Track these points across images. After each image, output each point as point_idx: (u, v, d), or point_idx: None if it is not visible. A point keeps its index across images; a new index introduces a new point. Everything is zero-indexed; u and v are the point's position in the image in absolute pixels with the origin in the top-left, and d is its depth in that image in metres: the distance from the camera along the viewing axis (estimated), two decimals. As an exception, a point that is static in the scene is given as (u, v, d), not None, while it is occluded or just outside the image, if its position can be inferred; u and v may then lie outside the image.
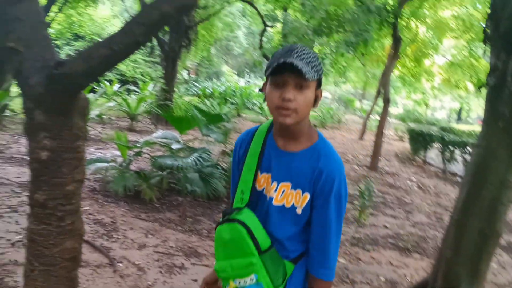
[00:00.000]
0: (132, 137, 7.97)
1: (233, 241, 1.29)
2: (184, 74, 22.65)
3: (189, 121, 5.08)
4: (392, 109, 27.56)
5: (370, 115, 15.27)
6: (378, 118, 10.24)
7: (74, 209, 1.77)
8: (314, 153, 1.30)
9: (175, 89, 12.49)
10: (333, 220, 1.29)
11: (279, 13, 12.24)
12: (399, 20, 8.33)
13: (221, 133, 5.38)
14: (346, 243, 4.33)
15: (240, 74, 30.47)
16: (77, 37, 17.30)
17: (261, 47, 12.50)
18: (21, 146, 6.71)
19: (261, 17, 12.04)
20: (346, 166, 8.65)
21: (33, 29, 1.70)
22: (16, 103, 8.61)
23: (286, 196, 1.31)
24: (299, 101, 1.22)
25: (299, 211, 1.30)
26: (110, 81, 14.69)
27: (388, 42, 11.25)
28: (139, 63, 18.31)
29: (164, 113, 6.73)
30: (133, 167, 5.52)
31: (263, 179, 1.36)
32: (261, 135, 1.40)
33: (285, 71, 1.19)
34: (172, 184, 5.10)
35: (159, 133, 5.56)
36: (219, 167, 5.28)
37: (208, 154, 5.18)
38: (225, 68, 29.12)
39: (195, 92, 19.45)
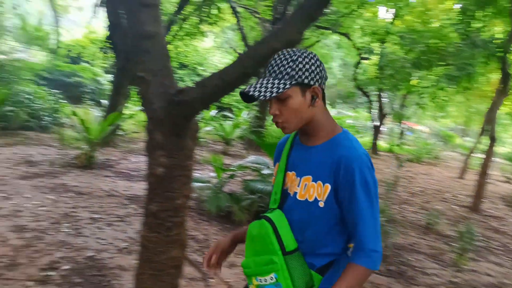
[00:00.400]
0: (226, 160, 8.37)
1: (259, 237, 1.30)
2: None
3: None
4: (498, 148, 25.24)
5: (472, 153, 14.16)
6: (482, 157, 9.48)
7: (181, 221, 1.97)
8: (333, 144, 1.30)
9: (268, 117, 12.92)
10: (365, 209, 1.24)
11: (375, 45, 12.14)
12: (508, 54, 7.78)
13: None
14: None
15: (332, 104, 30.42)
16: (181, 65, 18.84)
17: (355, 79, 12.44)
18: (129, 162, 7.44)
19: (357, 49, 12.04)
20: (444, 205, 8.12)
21: (159, 60, 1.97)
22: (128, 124, 9.62)
23: (308, 189, 1.30)
24: (284, 113, 1.27)
25: (321, 204, 1.28)
26: (208, 107, 15.63)
27: (495, 76, 10.49)
28: (235, 91, 19.27)
29: (257, 139, 7.00)
30: (226, 188, 5.79)
31: (288, 177, 1.38)
32: (291, 138, 1.44)
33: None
34: (262, 208, 5.25)
35: (251, 158, 5.80)
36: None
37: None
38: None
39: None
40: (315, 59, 1.31)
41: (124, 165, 7.26)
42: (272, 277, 1.27)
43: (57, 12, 22.60)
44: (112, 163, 7.39)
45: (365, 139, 18.01)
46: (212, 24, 7.86)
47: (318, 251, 1.32)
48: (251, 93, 1.25)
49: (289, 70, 1.27)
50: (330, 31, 11.98)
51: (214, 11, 6.64)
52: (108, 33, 6.51)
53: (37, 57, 20.04)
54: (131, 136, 10.55)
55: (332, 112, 27.06)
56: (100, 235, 3.94)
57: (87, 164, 6.71)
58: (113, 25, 6.35)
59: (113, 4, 6.15)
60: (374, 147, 16.24)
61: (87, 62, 20.02)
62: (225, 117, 15.27)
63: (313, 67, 1.29)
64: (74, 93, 16.75)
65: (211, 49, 22.03)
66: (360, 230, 1.25)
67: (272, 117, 1.32)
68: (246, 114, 15.51)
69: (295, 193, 1.34)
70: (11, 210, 4.24)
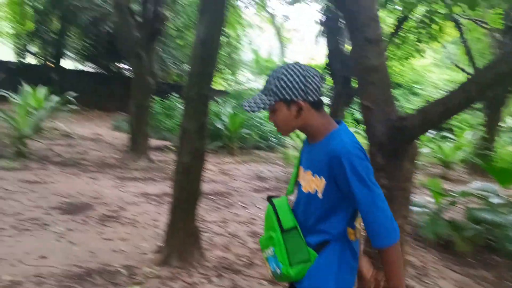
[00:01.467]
0: (445, 185, 7.79)
1: (267, 217, 1.58)
2: (510, 121, 20.03)
3: (513, 174, 4.61)
4: None
5: None
6: None
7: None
8: (328, 141, 1.45)
9: (497, 138, 11.35)
10: (362, 194, 1.34)
11: None
12: None
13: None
14: None
15: None
16: (396, 85, 18.44)
17: None
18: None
19: None
20: None
21: (382, 90, 2.14)
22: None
23: (309, 183, 1.49)
24: (276, 122, 1.51)
25: (320, 195, 1.44)
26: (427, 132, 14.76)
27: None
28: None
29: (483, 163, 6.30)
30: (446, 215, 5.42)
31: (300, 171, 1.61)
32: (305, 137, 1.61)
33: None
34: (490, 241, 4.71)
35: (476, 184, 5.28)
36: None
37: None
38: None
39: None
40: (302, 75, 1.43)
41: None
42: (271, 250, 1.50)
43: (283, 44, 25.49)
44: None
45: None
46: (431, 40, 7.54)
47: (314, 229, 1.49)
48: (245, 107, 1.48)
49: (273, 87, 1.45)
50: None
51: (435, 28, 6.38)
52: (328, 60, 7.04)
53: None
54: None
55: None
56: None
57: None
58: (332, 53, 6.85)
59: (334, 34, 6.65)
60: None
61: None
62: (445, 138, 14.12)
63: (296, 84, 1.42)
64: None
65: (429, 65, 20.82)
66: (369, 218, 1.36)
67: None
68: (469, 135, 13.99)
69: (301, 186, 1.56)
70: (248, 217, 5.07)
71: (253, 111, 1.48)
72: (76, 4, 13.42)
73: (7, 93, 8.18)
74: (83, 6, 13.37)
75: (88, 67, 17.49)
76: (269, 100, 1.46)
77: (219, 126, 10.15)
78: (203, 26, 3.48)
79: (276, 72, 1.48)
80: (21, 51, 15.29)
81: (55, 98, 8.29)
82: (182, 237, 3.52)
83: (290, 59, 23.53)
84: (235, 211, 5.28)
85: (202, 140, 3.59)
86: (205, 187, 6.36)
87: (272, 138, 11.53)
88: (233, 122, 9.82)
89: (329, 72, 7.90)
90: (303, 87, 1.44)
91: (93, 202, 4.83)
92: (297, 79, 1.44)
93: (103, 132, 10.64)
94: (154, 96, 10.92)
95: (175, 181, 3.63)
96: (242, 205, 5.62)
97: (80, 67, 17.68)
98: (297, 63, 1.48)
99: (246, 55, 22.49)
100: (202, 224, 4.55)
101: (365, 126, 2.19)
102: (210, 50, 3.51)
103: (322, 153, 1.45)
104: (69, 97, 9.06)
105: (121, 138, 9.68)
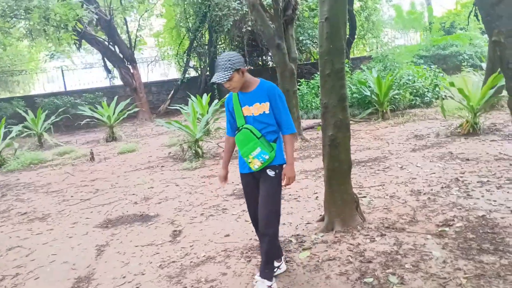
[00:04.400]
0: None
1: (245, 137, 2.70)
2: None
3: None
4: None
5: None
6: None
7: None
8: (261, 85, 2.74)
9: None
10: (283, 107, 2.73)
11: None
12: None
13: None
14: None
15: None
16: None
17: None
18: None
19: None
20: None
21: None
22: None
23: (259, 108, 2.70)
24: (232, 84, 2.63)
25: (267, 111, 2.70)
26: None
27: None
28: None
29: None
30: None
31: (245, 110, 2.75)
32: (235, 94, 2.78)
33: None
34: None
35: None
36: None
37: None
38: None
39: None
40: (237, 55, 2.64)
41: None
42: (258, 149, 2.67)
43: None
44: (498, 127, 7.05)
45: None
46: None
47: (270, 132, 2.74)
48: (216, 81, 2.58)
49: (229, 65, 2.57)
50: None
51: None
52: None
53: (414, 39, 21.26)
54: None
55: None
56: (490, 197, 4.02)
57: (471, 131, 6.75)
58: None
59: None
60: None
61: (463, 29, 19.40)
62: None
63: (238, 60, 2.61)
64: (453, 64, 16.69)
65: None
66: (284, 119, 2.74)
67: None
68: None
69: (253, 114, 2.72)
70: (407, 178, 5.00)
71: (223, 81, 2.57)
72: (219, 14, 14.77)
73: (180, 107, 9.81)
74: (224, 13, 14.63)
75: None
76: (229, 73, 2.57)
77: (367, 93, 9.97)
78: (326, 4, 3.61)
79: (224, 57, 2.59)
80: (183, 67, 17.58)
81: (215, 102, 9.42)
82: (341, 204, 3.75)
83: (437, 4, 21.20)
84: (393, 173, 5.26)
85: (344, 112, 3.74)
86: (360, 155, 6.48)
87: (427, 93, 10.76)
88: (380, 86, 9.54)
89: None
90: (241, 61, 2.63)
91: (260, 185, 5.44)
92: (238, 57, 2.62)
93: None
94: (299, 79, 11.40)
95: (324, 154, 3.88)
96: (400, 166, 5.54)
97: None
98: (230, 51, 2.72)
99: (387, 13, 21.19)
100: (361, 190, 4.71)
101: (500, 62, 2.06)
102: (336, 27, 3.60)
103: (260, 91, 2.70)
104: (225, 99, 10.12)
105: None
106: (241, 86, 2.69)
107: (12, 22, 8.62)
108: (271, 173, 2.74)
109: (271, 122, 2.71)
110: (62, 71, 18.01)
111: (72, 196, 6.05)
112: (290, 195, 4.89)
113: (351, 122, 9.65)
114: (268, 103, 2.69)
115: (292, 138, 2.79)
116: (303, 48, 16.19)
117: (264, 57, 18.01)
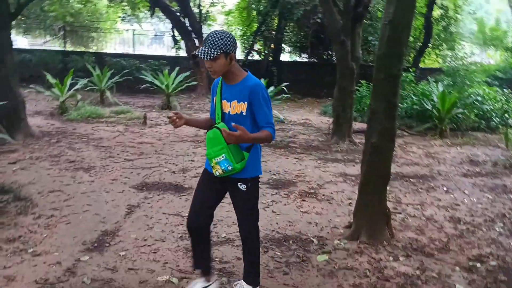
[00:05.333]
0: None
1: (214, 137, 2.33)
2: None
3: None
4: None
5: None
6: None
7: None
8: (246, 81, 2.36)
9: None
10: (267, 111, 2.35)
11: None
12: None
13: None
14: None
15: None
16: None
17: None
18: None
19: None
20: None
21: None
22: None
23: (237, 107, 2.36)
24: (214, 67, 2.28)
25: (244, 113, 2.35)
26: None
27: None
28: None
29: None
30: None
31: (224, 104, 2.42)
32: (220, 81, 2.45)
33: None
34: None
35: None
36: None
37: None
38: None
39: None
40: (233, 37, 2.30)
41: None
42: (223, 156, 2.30)
43: (515, 8, 21.52)
44: None
45: None
46: None
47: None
48: (199, 55, 2.22)
49: (219, 43, 2.22)
50: None
51: None
52: None
53: (493, 58, 19.91)
54: None
55: None
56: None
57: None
58: None
59: None
60: None
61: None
62: None
63: (231, 42, 2.26)
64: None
65: None
66: (266, 120, 2.34)
67: None
68: None
69: (229, 111, 2.39)
70: (450, 202, 4.74)
71: (206, 59, 2.22)
72: (290, 1, 14.63)
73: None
74: (296, 1, 14.46)
75: (303, 58, 18.82)
76: (216, 52, 2.21)
77: (428, 106, 9.51)
78: (392, 5, 3.47)
79: (217, 34, 2.25)
80: (247, 49, 17.67)
81: (271, 88, 9.39)
82: (371, 215, 3.65)
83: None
84: (436, 194, 5.01)
85: (392, 121, 3.60)
86: (406, 169, 6.22)
87: (495, 118, 10.07)
88: (444, 102, 9.05)
89: None
90: (234, 45, 2.29)
91: (296, 180, 5.40)
92: (232, 40, 2.28)
93: (312, 118, 11.41)
94: (360, 80, 11.07)
95: (364, 161, 3.77)
96: (446, 189, 5.26)
97: (295, 58, 19.21)
98: (226, 31, 2.32)
99: (468, 26, 19.98)
100: (397, 205, 4.54)
101: None
102: (398, 31, 3.47)
103: (243, 88, 2.33)
104: (283, 87, 10.09)
105: (326, 122, 10.20)
106: (223, 73, 2.33)
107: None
108: (242, 187, 2.42)
109: (247, 126, 2.31)
110: (133, 34, 18.72)
111: (118, 154, 6.34)
112: (323, 195, 4.81)
113: (405, 133, 9.34)
114: (246, 104, 2.32)
115: (266, 135, 2.32)
116: (370, 49, 15.68)
117: (329, 51, 17.65)
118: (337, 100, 8.03)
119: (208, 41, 2.24)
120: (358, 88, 10.63)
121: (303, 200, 4.62)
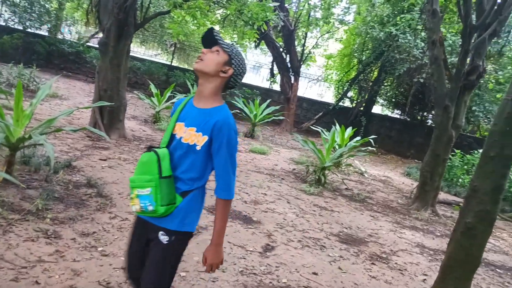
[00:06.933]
0: None
1: (147, 163, 1.84)
2: None
3: None
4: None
5: None
6: None
7: None
8: (216, 111, 1.87)
9: None
10: (228, 159, 1.85)
11: None
12: None
13: None
14: None
15: None
16: None
17: None
18: None
19: None
20: None
21: None
22: None
23: (191, 136, 1.86)
24: (209, 58, 1.88)
25: (198, 147, 1.84)
26: None
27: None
28: None
29: None
30: None
31: (178, 126, 1.92)
32: (187, 100, 2.00)
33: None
34: None
35: None
36: None
37: None
38: None
39: None
40: (244, 62, 1.95)
41: None
42: (148, 190, 1.80)
43: None
44: None
45: None
46: None
47: (185, 178, 1.87)
48: (215, 33, 1.88)
49: (233, 50, 1.90)
50: None
51: None
52: None
53: None
54: None
55: None
56: None
57: None
58: None
59: None
60: None
61: None
62: None
63: (241, 62, 1.93)
64: None
65: None
66: (223, 174, 1.86)
67: None
68: None
69: (181, 137, 1.87)
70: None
71: (217, 39, 1.89)
72: (395, 56, 14.36)
73: (321, 129, 9.85)
74: (401, 57, 14.16)
75: (395, 114, 18.23)
76: (226, 47, 1.89)
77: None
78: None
79: (228, 42, 1.93)
80: (340, 94, 17.57)
81: (357, 138, 9.16)
82: (449, 301, 3.27)
83: None
84: (527, 296, 4.38)
85: (495, 205, 3.27)
86: (493, 256, 5.57)
87: None
88: (550, 192, 8.07)
89: None
90: (240, 68, 1.93)
91: (368, 239, 5.08)
92: (243, 63, 1.94)
93: (394, 176, 10.84)
94: (455, 149, 10.35)
95: (452, 239, 3.43)
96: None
97: (387, 113, 18.66)
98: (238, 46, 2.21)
99: None
100: (478, 298, 4.03)
101: None
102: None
103: (209, 118, 1.85)
104: (370, 140, 9.79)
105: (410, 184, 9.62)
106: (207, 75, 1.88)
107: (212, 7, 9.66)
108: (163, 238, 1.86)
109: (196, 165, 1.86)
110: (235, 61, 19.57)
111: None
112: (396, 263, 4.44)
113: (497, 217, 8.41)
114: (206, 139, 1.83)
115: (226, 206, 1.88)
116: (472, 119, 14.70)
117: (425, 113, 16.89)
118: (427, 165, 7.54)
119: (217, 36, 1.92)
120: (450, 156, 9.94)
121: (373, 264, 4.30)
